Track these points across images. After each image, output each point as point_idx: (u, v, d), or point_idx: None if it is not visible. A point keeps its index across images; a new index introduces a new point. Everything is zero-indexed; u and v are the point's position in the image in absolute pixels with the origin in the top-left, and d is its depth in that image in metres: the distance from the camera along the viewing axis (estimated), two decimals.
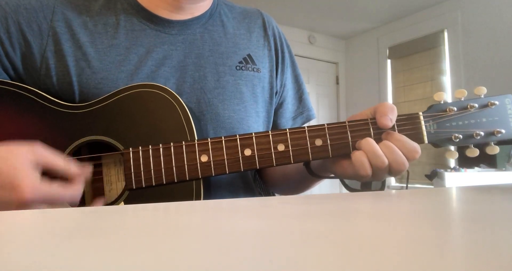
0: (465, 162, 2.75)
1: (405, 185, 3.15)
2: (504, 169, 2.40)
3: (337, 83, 4.06)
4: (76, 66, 0.53)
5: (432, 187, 2.64)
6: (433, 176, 2.50)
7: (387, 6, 3.25)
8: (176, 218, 0.23)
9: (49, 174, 0.43)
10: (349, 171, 0.48)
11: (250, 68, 0.63)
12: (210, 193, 0.53)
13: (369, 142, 0.46)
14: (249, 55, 0.64)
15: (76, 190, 0.44)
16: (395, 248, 0.14)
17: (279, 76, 0.68)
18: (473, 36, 2.97)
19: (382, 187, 0.54)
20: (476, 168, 2.49)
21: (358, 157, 0.46)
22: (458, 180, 2.31)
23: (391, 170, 0.46)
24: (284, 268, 0.11)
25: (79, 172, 0.45)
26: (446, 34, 3.18)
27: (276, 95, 0.68)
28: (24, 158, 0.40)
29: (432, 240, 0.15)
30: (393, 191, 0.39)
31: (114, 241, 0.16)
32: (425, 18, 3.32)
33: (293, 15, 3.43)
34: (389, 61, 3.66)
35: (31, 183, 0.39)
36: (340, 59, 4.07)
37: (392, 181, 3.58)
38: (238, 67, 0.61)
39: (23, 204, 0.39)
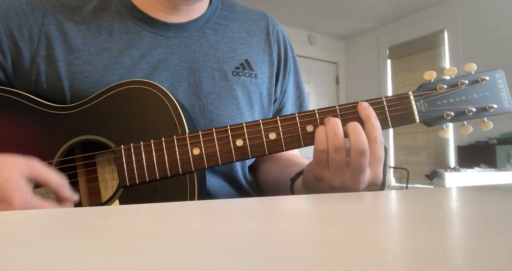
0: (465, 162, 2.76)
1: (405, 185, 3.16)
2: (504, 169, 2.40)
3: (337, 83, 4.06)
4: (67, 71, 0.52)
5: (432, 187, 2.64)
6: (433, 176, 2.50)
7: (387, 6, 3.25)
8: (177, 219, 0.23)
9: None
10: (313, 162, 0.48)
11: (247, 74, 0.61)
12: (204, 191, 0.53)
13: (331, 120, 0.47)
14: (246, 61, 0.62)
15: (68, 206, 0.44)
16: (395, 249, 0.14)
17: (279, 82, 0.66)
18: (473, 36, 2.97)
19: (382, 186, 0.54)
20: (476, 168, 2.49)
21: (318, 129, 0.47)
22: (458, 180, 2.32)
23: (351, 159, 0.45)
24: (283, 268, 0.11)
25: (70, 195, 0.44)
26: (446, 34, 3.19)
27: (275, 101, 0.66)
28: (17, 171, 0.40)
29: (432, 240, 0.15)
30: (393, 191, 0.39)
31: (112, 242, 0.16)
32: (425, 18, 3.32)
33: (293, 15, 3.43)
34: (389, 61, 3.66)
35: (23, 197, 0.39)
36: (340, 59, 4.07)
37: (392, 181, 3.58)
38: (234, 73, 0.60)
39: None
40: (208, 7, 0.63)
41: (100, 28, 0.55)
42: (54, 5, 0.55)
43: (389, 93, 3.60)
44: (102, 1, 0.57)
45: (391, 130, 3.51)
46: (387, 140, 3.56)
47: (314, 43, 3.85)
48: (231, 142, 0.47)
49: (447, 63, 3.16)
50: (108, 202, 0.48)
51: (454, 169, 2.46)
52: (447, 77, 0.50)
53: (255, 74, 0.62)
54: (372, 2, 3.17)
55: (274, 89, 0.65)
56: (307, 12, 3.37)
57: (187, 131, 0.48)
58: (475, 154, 2.73)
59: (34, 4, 0.55)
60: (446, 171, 2.40)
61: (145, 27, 0.57)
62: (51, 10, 0.55)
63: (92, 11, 0.56)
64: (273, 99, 0.66)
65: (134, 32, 0.56)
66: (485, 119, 0.50)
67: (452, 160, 3.11)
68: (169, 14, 0.58)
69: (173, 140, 0.47)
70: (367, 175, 0.46)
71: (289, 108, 0.69)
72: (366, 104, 0.48)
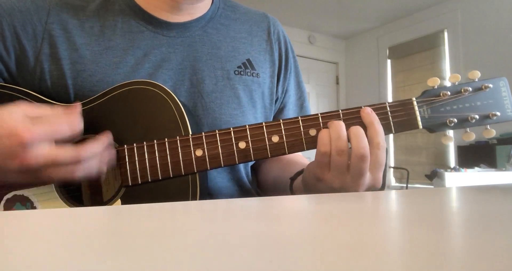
0: (465, 162, 2.76)
1: (405, 185, 3.16)
2: (504, 169, 2.40)
3: (337, 83, 4.06)
4: (71, 69, 0.53)
5: (432, 187, 2.64)
6: (433, 176, 2.49)
7: (387, 6, 3.25)
8: (178, 219, 0.23)
9: None
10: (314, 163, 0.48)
11: (248, 73, 0.62)
12: (206, 192, 0.53)
13: (335, 124, 0.46)
14: (248, 60, 0.62)
15: (73, 116, 0.44)
16: (395, 249, 0.14)
17: (281, 81, 0.67)
18: (473, 36, 2.97)
19: (382, 187, 0.54)
20: (476, 168, 2.49)
21: (322, 132, 0.47)
22: (458, 180, 2.31)
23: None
24: (283, 268, 0.11)
25: (68, 109, 0.44)
26: (446, 34, 3.19)
27: (276, 101, 0.67)
28: (14, 112, 0.42)
29: (432, 240, 0.15)
30: (393, 191, 0.39)
31: (112, 242, 0.16)
32: (425, 18, 3.32)
33: (293, 15, 3.43)
34: (389, 61, 3.66)
35: (26, 126, 0.40)
36: (340, 59, 4.07)
37: (392, 181, 3.58)
38: (236, 72, 0.60)
39: (26, 147, 0.39)
40: (210, 7, 0.63)
41: (104, 28, 0.56)
42: (58, 4, 0.56)
43: (389, 93, 3.60)
44: (106, 0, 0.58)
45: None
46: (387, 140, 3.57)
47: (314, 43, 3.85)
48: (234, 144, 0.48)
49: (447, 63, 3.16)
50: (110, 201, 0.48)
51: (454, 169, 2.46)
52: (451, 84, 0.50)
53: (257, 74, 0.63)
54: (372, 2, 3.17)
55: (275, 88, 0.66)
56: (307, 12, 3.37)
57: (190, 132, 0.48)
58: (475, 154, 2.73)
59: (38, 2, 0.55)
60: (446, 171, 2.40)
61: (148, 27, 0.57)
62: (55, 9, 0.55)
63: (96, 10, 0.57)
64: (274, 99, 0.66)
65: (137, 31, 0.57)
66: (488, 126, 0.50)
67: (452, 160, 3.11)
68: (171, 13, 0.59)
69: (176, 141, 0.47)
70: (367, 179, 0.46)
71: (291, 107, 0.69)
72: (369, 109, 0.48)
